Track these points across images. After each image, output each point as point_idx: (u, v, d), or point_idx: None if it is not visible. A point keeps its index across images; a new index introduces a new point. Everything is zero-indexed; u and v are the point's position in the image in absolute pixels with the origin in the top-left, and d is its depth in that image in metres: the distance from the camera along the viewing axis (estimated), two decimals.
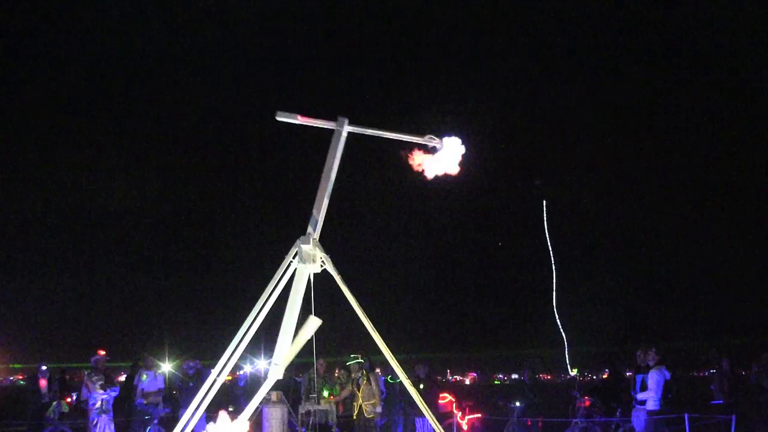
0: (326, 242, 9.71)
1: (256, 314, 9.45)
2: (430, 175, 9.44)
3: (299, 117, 9.46)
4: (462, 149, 9.30)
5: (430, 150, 9.48)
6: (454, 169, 9.44)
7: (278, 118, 9.44)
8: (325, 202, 9.52)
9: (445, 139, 9.38)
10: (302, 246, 9.47)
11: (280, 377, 9.26)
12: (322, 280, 9.67)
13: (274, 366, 9.12)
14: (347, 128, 9.49)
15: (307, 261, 9.50)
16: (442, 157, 9.42)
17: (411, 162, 9.53)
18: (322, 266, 9.60)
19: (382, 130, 9.60)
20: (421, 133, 9.43)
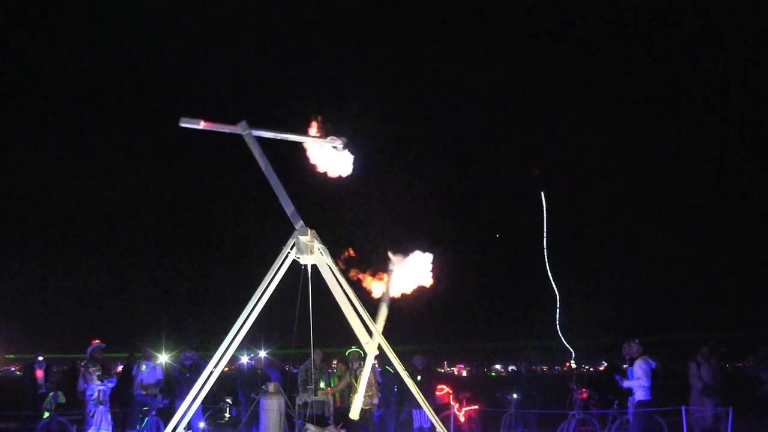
0: (323, 233, 9.71)
1: (253, 305, 9.45)
2: (322, 168, 9.83)
3: (202, 122, 9.51)
4: (351, 160, 9.78)
5: (333, 148, 9.77)
6: (345, 172, 9.82)
7: (181, 124, 9.50)
8: (285, 194, 9.62)
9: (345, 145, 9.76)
10: (300, 237, 9.47)
11: (377, 351, 9.54)
12: (319, 270, 9.66)
13: (367, 345, 9.37)
14: (251, 132, 9.57)
15: (305, 252, 9.51)
16: (339, 158, 9.83)
17: (309, 154, 9.90)
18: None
19: (285, 133, 9.77)
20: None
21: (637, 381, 12.38)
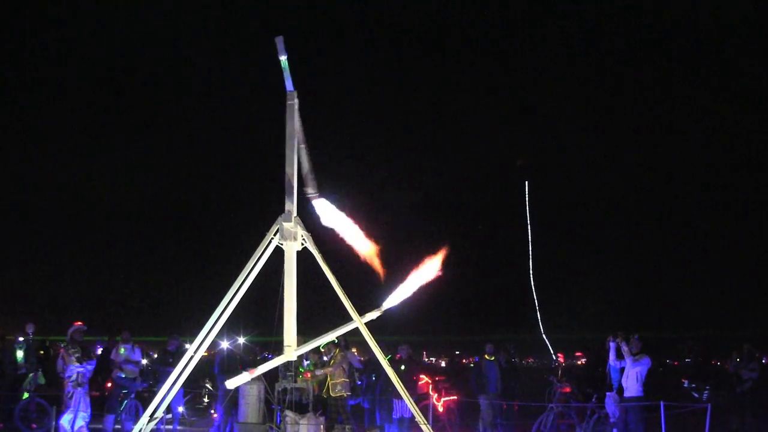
0: (307, 220, 9.70)
1: (235, 291, 9.43)
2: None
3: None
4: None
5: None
6: None
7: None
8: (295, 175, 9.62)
9: None
10: (284, 224, 9.44)
11: (293, 359, 9.56)
12: (302, 257, 9.65)
13: (287, 347, 9.37)
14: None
15: (288, 239, 9.48)
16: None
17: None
18: (303, 244, 9.59)
19: None
20: None
21: (636, 369, 12.36)
